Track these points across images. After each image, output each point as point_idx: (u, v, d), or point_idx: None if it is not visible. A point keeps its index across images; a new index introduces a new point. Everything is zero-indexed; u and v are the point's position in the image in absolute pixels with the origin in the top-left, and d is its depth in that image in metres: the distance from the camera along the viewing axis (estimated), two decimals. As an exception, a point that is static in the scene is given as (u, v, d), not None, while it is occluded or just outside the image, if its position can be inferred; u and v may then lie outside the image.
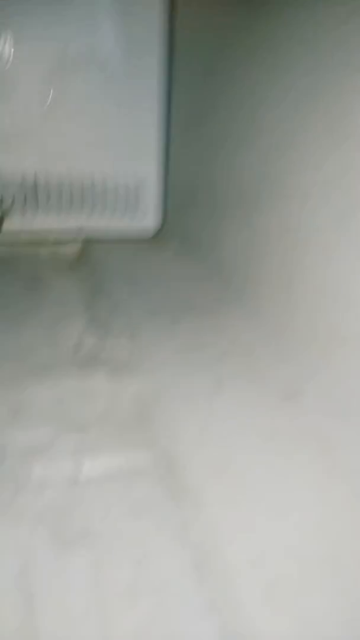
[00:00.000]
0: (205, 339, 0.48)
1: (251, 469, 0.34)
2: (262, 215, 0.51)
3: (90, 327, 0.51)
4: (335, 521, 0.31)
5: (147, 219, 0.75)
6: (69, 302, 0.57)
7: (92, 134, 0.70)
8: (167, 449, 0.35)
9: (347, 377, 0.40)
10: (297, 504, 0.31)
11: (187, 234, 0.69)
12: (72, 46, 0.67)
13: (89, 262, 0.67)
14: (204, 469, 0.34)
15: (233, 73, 0.56)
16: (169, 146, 0.72)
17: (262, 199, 0.51)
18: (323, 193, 0.42)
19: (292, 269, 0.47)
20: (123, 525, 0.30)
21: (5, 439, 0.36)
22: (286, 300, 0.48)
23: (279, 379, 0.43)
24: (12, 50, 0.65)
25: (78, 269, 0.65)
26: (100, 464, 0.34)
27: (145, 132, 0.71)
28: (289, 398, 0.41)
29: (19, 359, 0.45)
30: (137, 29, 0.67)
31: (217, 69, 0.60)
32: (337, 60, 0.41)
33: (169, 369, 0.44)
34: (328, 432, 0.37)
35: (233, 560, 0.28)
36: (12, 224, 0.72)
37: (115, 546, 0.29)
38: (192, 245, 0.66)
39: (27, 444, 0.36)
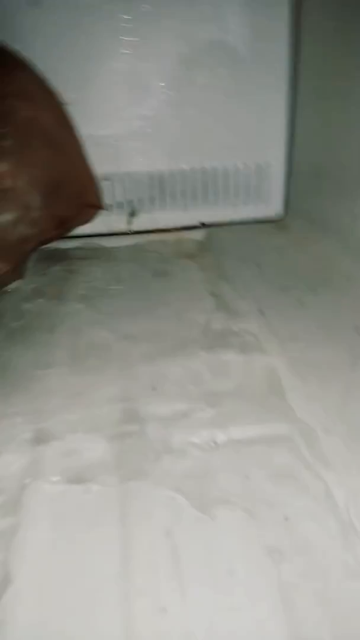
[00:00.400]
0: (337, 314, 0.47)
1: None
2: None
3: (217, 310, 0.52)
4: None
5: (272, 204, 0.75)
6: (195, 287, 0.58)
7: (219, 126, 0.72)
8: (305, 420, 0.35)
9: None
10: None
11: (312, 216, 0.68)
12: (201, 35, 0.69)
13: (212, 249, 0.69)
14: (344, 438, 0.33)
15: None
16: (294, 131, 0.71)
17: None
18: None
19: None
20: (264, 489, 0.31)
21: (146, 409, 0.38)
22: None
23: None
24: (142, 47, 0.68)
25: (202, 255, 0.67)
26: (238, 433, 0.35)
27: (272, 119, 0.71)
28: None
29: (154, 340, 0.48)
30: (265, 13, 0.67)
31: (345, 51, 0.58)
32: None
33: (300, 344, 0.43)
34: None
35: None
36: (140, 223, 0.76)
37: (258, 509, 0.30)
38: (318, 227, 0.65)
39: (167, 415, 0.38)
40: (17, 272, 0.61)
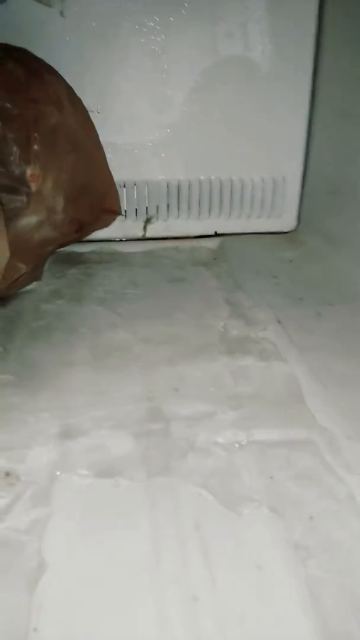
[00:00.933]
0: (354, 327, 0.49)
1: None
2: None
3: (234, 317, 0.53)
4: None
5: (285, 217, 0.77)
6: (211, 294, 0.60)
7: (238, 139, 0.73)
8: (326, 426, 0.36)
9: None
10: None
11: (325, 230, 0.70)
12: (225, 50, 0.70)
13: (226, 258, 0.70)
14: (366, 445, 0.34)
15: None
16: (310, 146, 0.73)
17: None
18: None
19: None
20: (289, 489, 0.32)
21: (169, 409, 0.39)
22: None
23: None
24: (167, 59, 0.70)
25: (216, 264, 0.69)
26: (261, 435, 0.36)
27: (291, 134, 0.73)
28: None
29: (173, 343, 0.49)
30: (289, 30, 0.69)
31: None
32: None
33: (319, 354, 0.45)
34: None
35: None
36: (155, 230, 0.77)
37: (283, 507, 0.31)
38: (331, 241, 0.67)
39: (190, 415, 0.39)
40: (35, 273, 0.62)
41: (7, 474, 0.34)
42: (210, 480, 0.33)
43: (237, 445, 0.36)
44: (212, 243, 0.75)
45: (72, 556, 0.29)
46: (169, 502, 0.32)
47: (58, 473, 0.34)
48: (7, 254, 0.46)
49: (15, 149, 0.51)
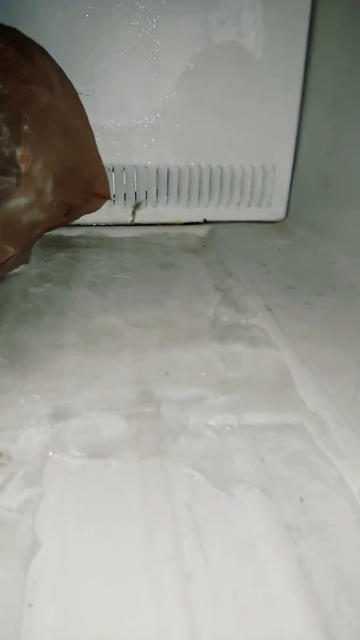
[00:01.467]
0: (343, 317, 0.49)
1: None
2: None
3: (224, 304, 0.54)
4: None
5: (274, 207, 0.77)
6: (200, 280, 0.60)
7: (229, 126, 0.73)
8: (316, 410, 0.37)
9: None
10: None
11: (314, 220, 0.70)
12: (218, 37, 0.70)
13: (215, 245, 0.70)
14: (356, 430, 0.35)
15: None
16: (300, 136, 0.73)
17: None
18: None
19: None
20: (279, 472, 0.33)
21: (161, 392, 0.40)
22: None
23: None
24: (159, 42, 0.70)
25: (205, 251, 0.69)
26: (252, 419, 0.37)
27: (282, 123, 0.73)
28: None
29: (164, 328, 0.49)
30: (283, 19, 0.69)
31: (356, 60, 0.60)
32: None
33: (309, 342, 0.45)
34: None
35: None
36: (143, 215, 0.77)
37: (274, 489, 0.31)
38: (319, 231, 0.68)
39: (181, 399, 0.39)
40: (23, 256, 0.62)
41: (0, 454, 0.34)
42: (201, 462, 0.33)
43: (228, 428, 0.36)
44: (201, 230, 0.76)
45: (66, 535, 0.29)
46: (161, 483, 0.32)
47: (50, 454, 0.34)
48: (-2, 235, 0.46)
49: (5, 129, 0.50)
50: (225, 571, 0.27)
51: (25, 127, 0.53)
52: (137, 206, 0.76)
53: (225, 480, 0.32)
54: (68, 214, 0.64)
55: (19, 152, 0.51)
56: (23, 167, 0.52)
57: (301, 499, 0.31)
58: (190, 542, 0.28)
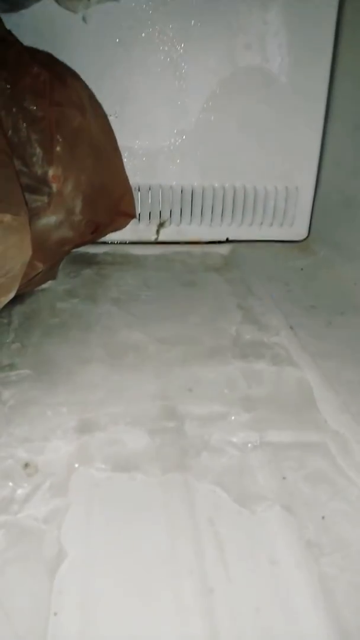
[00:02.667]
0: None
1: None
2: None
3: (246, 322, 0.54)
4: None
5: (297, 227, 0.78)
6: (223, 298, 0.61)
7: (253, 148, 0.74)
8: (338, 430, 0.37)
9: None
10: None
11: (336, 240, 0.71)
12: (244, 60, 0.72)
13: (238, 264, 0.71)
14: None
15: None
16: (323, 158, 0.74)
17: None
18: None
19: None
20: (301, 490, 0.33)
21: (183, 408, 0.40)
22: None
23: None
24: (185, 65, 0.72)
25: (228, 269, 0.70)
26: (274, 437, 0.37)
27: (305, 145, 0.74)
28: None
29: (187, 345, 0.50)
30: (307, 43, 0.70)
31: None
32: None
33: (331, 361, 0.46)
34: None
35: None
36: (167, 234, 0.78)
37: (295, 506, 0.32)
38: (341, 251, 0.68)
39: (204, 415, 0.40)
40: (51, 272, 0.63)
41: (27, 465, 0.35)
42: (224, 479, 0.34)
43: (250, 445, 0.36)
44: (224, 249, 0.77)
45: (90, 545, 0.29)
46: (184, 497, 0.33)
47: (76, 465, 0.34)
48: (30, 252, 0.47)
49: (38, 150, 0.52)
50: (246, 586, 0.27)
51: (58, 148, 0.55)
52: (161, 225, 0.77)
53: (247, 497, 0.32)
54: (95, 232, 0.66)
55: (51, 172, 0.53)
56: (54, 187, 0.54)
57: (323, 517, 0.31)
58: (212, 557, 0.29)
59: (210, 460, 0.35)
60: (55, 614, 0.26)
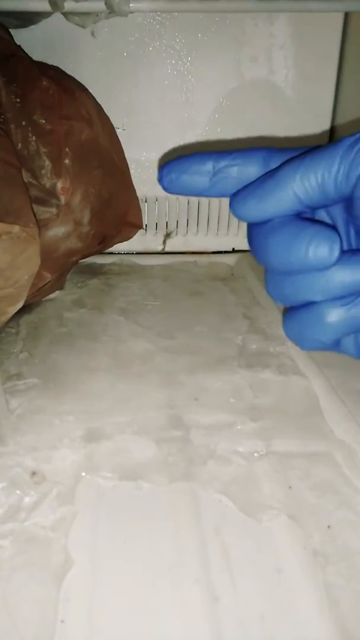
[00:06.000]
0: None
1: None
2: None
3: (252, 331, 0.55)
4: None
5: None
6: (229, 308, 0.61)
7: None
8: (345, 440, 0.37)
9: None
10: None
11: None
12: (250, 73, 0.73)
13: (243, 274, 0.71)
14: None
15: None
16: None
17: None
18: None
19: None
20: (307, 499, 0.33)
21: (190, 417, 0.40)
22: None
23: None
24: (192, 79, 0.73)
25: (234, 279, 0.70)
26: (280, 446, 0.37)
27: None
28: None
29: (193, 354, 0.50)
30: (313, 58, 0.71)
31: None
32: None
33: (338, 371, 0.46)
34: None
35: None
36: (174, 244, 0.79)
37: (301, 516, 0.32)
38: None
39: (210, 424, 0.40)
40: (59, 282, 0.64)
41: (34, 473, 0.35)
42: (230, 488, 0.34)
43: (256, 454, 0.37)
44: (230, 259, 0.77)
45: (97, 554, 0.30)
46: (190, 506, 0.33)
47: (83, 474, 0.35)
48: (39, 262, 0.48)
49: (47, 162, 0.53)
50: (252, 595, 0.27)
51: (66, 161, 0.55)
52: (168, 235, 0.78)
53: (254, 506, 0.33)
54: (102, 243, 0.67)
55: (59, 185, 0.53)
56: (63, 199, 0.55)
57: (328, 526, 0.31)
58: (218, 566, 0.29)
59: (216, 469, 0.36)
60: (62, 621, 0.26)
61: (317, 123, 0.73)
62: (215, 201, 0.77)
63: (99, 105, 0.66)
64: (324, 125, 0.73)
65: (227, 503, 0.33)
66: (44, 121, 0.54)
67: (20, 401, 0.42)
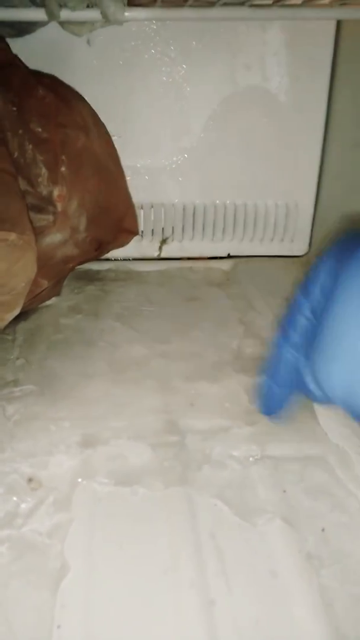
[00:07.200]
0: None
1: None
2: None
3: (248, 336, 0.55)
4: None
5: (297, 242, 0.79)
6: (225, 314, 0.61)
7: (253, 165, 0.76)
8: (339, 444, 0.38)
9: None
10: None
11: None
12: (244, 80, 0.73)
13: (239, 279, 0.72)
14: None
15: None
16: (322, 175, 0.75)
17: None
18: None
19: None
20: (301, 502, 0.33)
21: (185, 422, 0.41)
22: None
23: None
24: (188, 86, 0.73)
25: (229, 285, 0.70)
26: (275, 450, 0.38)
27: (305, 163, 0.75)
28: None
29: (189, 359, 0.50)
30: (306, 64, 0.72)
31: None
32: None
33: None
34: None
35: None
36: (170, 250, 0.79)
37: (296, 519, 0.32)
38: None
39: (205, 429, 0.40)
40: (55, 289, 0.64)
41: (30, 480, 0.35)
42: (225, 492, 0.34)
43: (251, 459, 0.37)
44: (226, 264, 0.77)
45: (93, 559, 0.30)
46: (186, 511, 0.33)
47: (79, 480, 0.35)
48: (35, 269, 0.48)
49: (44, 170, 0.53)
50: (247, 598, 0.27)
51: (63, 169, 0.56)
52: (163, 241, 0.79)
53: (248, 510, 0.33)
54: (99, 249, 0.67)
55: (56, 192, 0.54)
56: (59, 206, 0.55)
57: (323, 529, 0.31)
58: (213, 569, 0.29)
59: (212, 474, 0.36)
60: (58, 627, 0.26)
61: (310, 128, 0.74)
62: (210, 207, 0.77)
63: (95, 113, 0.66)
64: (318, 130, 0.74)
65: (223, 507, 0.33)
66: (40, 129, 0.54)
67: (16, 407, 0.42)
